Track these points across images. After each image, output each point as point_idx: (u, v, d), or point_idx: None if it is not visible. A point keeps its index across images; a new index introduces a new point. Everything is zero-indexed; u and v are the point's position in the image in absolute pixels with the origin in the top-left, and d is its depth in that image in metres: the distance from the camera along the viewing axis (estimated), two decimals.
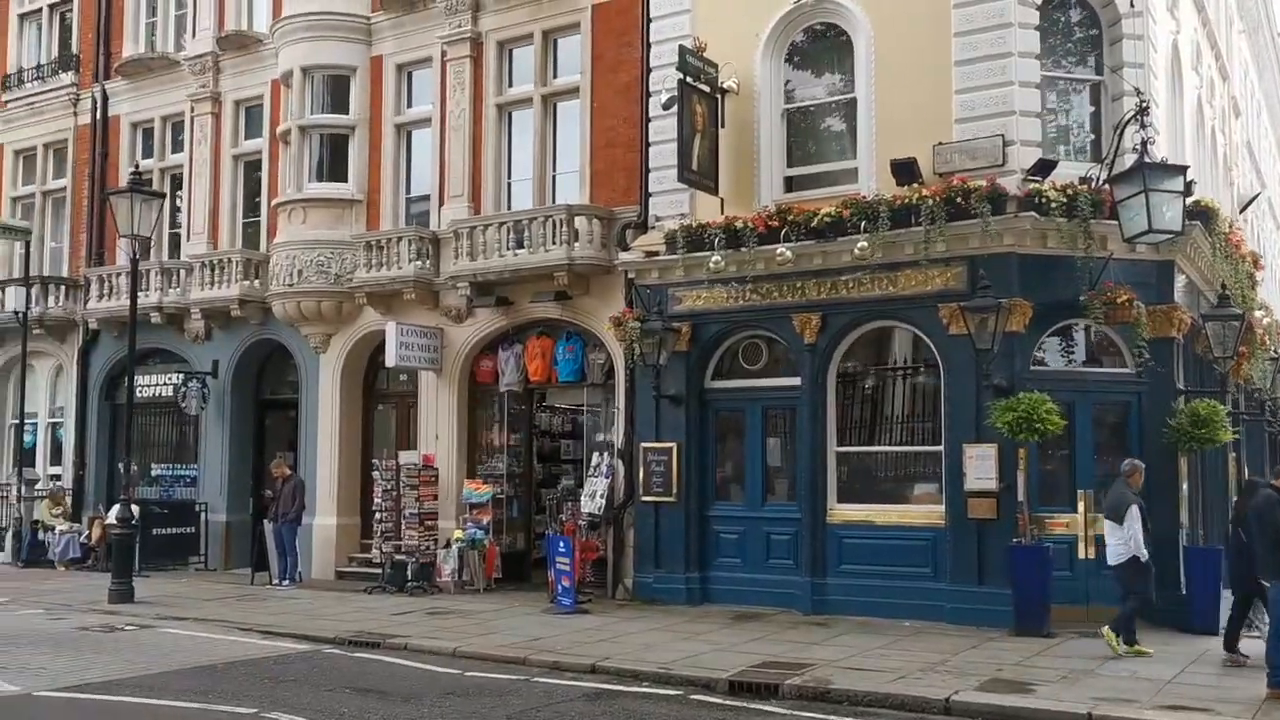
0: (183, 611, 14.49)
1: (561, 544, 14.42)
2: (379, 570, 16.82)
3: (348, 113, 18.59)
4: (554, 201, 16.65)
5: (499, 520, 16.89)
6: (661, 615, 13.68)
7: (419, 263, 17.25)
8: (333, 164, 18.66)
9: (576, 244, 15.73)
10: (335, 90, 18.66)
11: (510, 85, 17.51)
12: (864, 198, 13.53)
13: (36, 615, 14.51)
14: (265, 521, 17.92)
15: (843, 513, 13.92)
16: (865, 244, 13.10)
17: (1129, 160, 12.48)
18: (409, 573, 16.25)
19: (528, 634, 12.37)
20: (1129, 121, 12.59)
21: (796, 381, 14.32)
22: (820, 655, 10.92)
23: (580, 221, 15.78)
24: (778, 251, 13.72)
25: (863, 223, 13.27)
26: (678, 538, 14.81)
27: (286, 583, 17.33)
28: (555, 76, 17.15)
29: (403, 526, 16.59)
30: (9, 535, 21.44)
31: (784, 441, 14.82)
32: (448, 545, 16.26)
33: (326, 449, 18.63)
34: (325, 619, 13.76)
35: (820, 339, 14.03)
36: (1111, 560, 11.10)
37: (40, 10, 23.87)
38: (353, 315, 18.43)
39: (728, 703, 9.35)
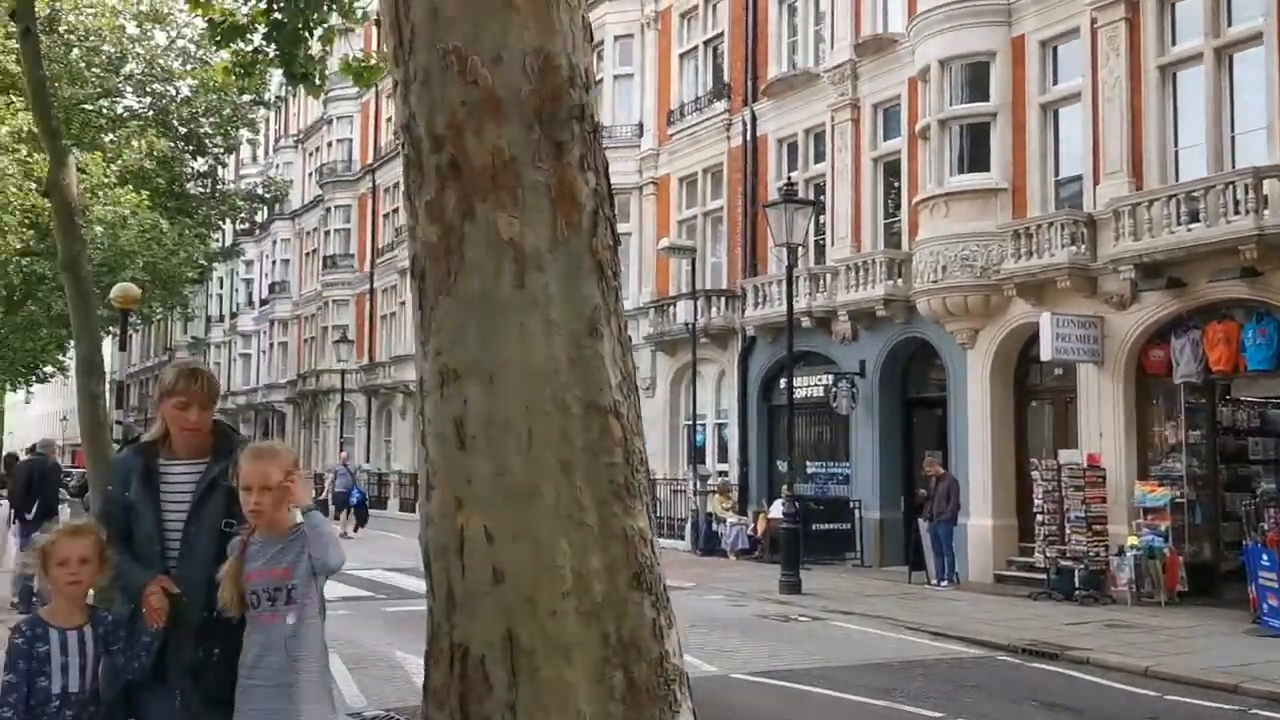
0: (847, 606, 14.79)
1: (1265, 557, 12.52)
2: (1041, 575, 15.90)
3: (988, 100, 17.97)
4: (1233, 166, 14.62)
5: (1179, 527, 15.12)
6: None
7: (1073, 248, 16.11)
8: (973, 154, 18.15)
9: (1266, 211, 13.64)
10: (973, 78, 18.14)
11: (1173, 43, 15.72)
12: None
13: (719, 601, 15.69)
14: (920, 520, 17.84)
15: None
16: None
17: None
18: (1076, 579, 15.17)
19: (1232, 657, 10.82)
20: None
21: None
22: None
23: (1270, 185, 13.69)
24: None
25: None
26: None
27: (944, 583, 17.07)
28: (1229, 25, 15.08)
29: (1067, 530, 15.52)
30: (688, 525, 23.72)
31: None
32: (1120, 552, 14.90)
33: (977, 447, 18.10)
34: (992, 624, 13.22)
35: None
36: None
37: (696, 48, 26.24)
38: (1000, 308, 17.73)
39: None
